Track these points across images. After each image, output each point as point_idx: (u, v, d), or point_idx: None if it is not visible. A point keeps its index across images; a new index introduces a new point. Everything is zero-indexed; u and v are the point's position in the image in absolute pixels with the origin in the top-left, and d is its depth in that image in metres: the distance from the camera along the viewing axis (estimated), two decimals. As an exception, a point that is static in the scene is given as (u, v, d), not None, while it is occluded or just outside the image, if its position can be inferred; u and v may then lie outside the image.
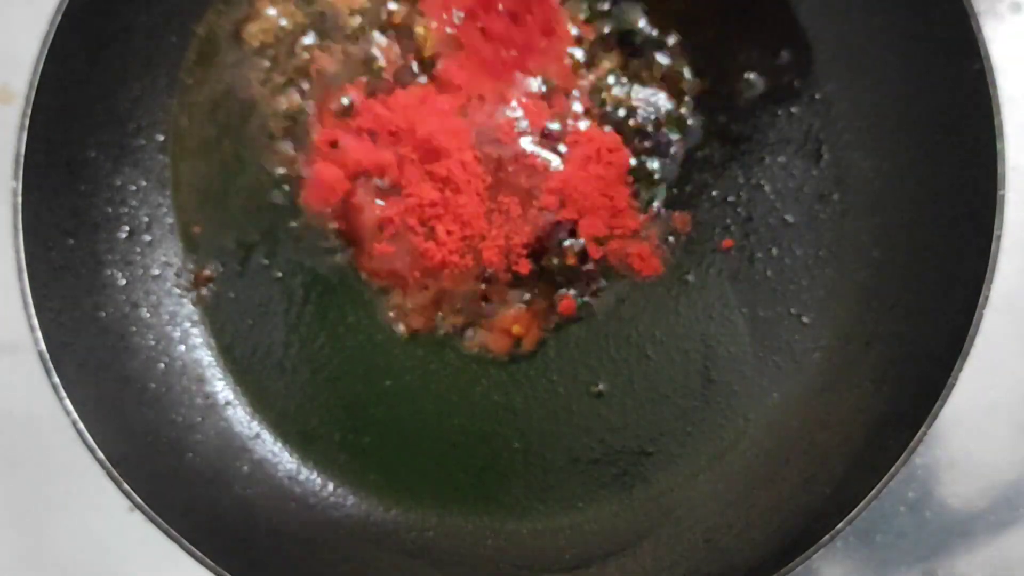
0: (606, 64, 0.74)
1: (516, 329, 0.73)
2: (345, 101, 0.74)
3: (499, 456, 0.73)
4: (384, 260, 0.72)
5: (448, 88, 0.73)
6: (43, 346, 0.65)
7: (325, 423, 0.74)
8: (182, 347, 0.74)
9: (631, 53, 0.74)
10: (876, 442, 0.66)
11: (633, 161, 0.73)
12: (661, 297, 0.73)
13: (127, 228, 0.74)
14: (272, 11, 0.75)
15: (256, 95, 0.75)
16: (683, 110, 0.74)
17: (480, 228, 0.72)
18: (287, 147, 0.74)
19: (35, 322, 0.65)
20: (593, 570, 0.71)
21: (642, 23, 0.74)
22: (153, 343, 0.74)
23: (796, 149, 0.73)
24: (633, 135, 0.73)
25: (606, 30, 0.74)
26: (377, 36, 0.73)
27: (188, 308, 0.75)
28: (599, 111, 0.74)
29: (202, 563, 0.63)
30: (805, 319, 0.73)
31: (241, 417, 0.74)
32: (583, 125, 0.73)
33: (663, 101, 0.74)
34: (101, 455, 0.64)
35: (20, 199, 0.66)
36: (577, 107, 0.73)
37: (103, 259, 0.72)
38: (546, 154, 0.72)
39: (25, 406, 0.77)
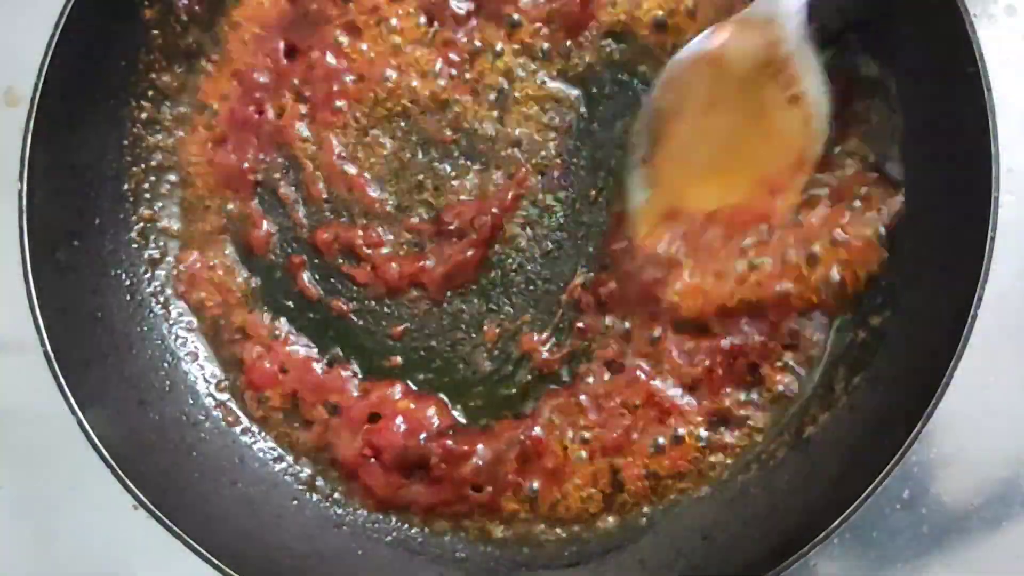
0: None
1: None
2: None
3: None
4: None
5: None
6: (48, 346, 0.65)
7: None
8: (186, 346, 0.75)
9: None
10: (872, 440, 0.66)
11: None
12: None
13: (132, 230, 0.74)
14: None
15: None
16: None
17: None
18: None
19: (41, 322, 0.65)
20: (591, 567, 0.71)
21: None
22: (158, 342, 0.74)
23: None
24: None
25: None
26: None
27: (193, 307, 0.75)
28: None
29: (204, 560, 0.63)
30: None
31: (244, 415, 0.75)
32: None
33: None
34: (105, 453, 0.65)
35: (25, 201, 0.66)
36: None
37: (108, 260, 0.73)
38: None
39: (31, 405, 0.77)
